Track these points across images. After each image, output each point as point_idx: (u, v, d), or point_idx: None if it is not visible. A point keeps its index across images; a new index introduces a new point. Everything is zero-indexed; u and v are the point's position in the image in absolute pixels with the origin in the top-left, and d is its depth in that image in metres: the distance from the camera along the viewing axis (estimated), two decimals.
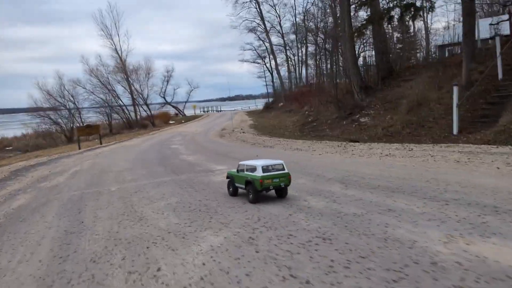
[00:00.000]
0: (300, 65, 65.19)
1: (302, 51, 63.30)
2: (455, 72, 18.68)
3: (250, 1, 62.58)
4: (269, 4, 63.87)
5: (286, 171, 8.10)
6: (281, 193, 8.31)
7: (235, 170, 9.04)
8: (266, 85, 72.87)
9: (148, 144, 29.84)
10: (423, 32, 31.88)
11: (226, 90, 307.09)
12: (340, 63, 39.50)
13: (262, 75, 73.95)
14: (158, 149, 23.98)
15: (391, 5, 17.48)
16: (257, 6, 62.46)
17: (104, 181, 12.98)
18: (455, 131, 14.51)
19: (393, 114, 19.43)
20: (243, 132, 31.64)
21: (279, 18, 63.08)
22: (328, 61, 57.79)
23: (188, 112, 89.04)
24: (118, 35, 62.07)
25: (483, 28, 19.23)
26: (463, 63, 15.68)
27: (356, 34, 21.64)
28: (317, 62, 60.92)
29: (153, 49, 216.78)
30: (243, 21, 64.17)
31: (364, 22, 20.63)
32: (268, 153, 16.27)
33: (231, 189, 9.04)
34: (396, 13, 17.58)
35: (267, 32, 63.51)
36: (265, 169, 8.00)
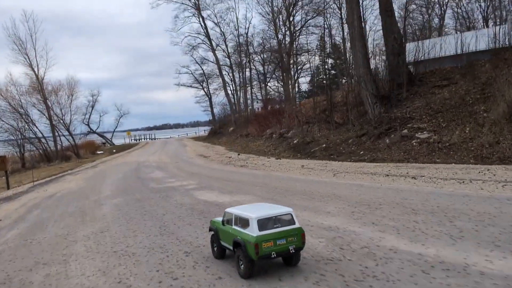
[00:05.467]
0: (240, 88, 58.48)
1: (245, 74, 57.00)
2: None
3: (194, 16, 55.87)
4: (213, 22, 56.87)
5: (296, 225, 5.00)
6: (290, 260, 5.17)
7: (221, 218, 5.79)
8: (211, 107, 65.28)
9: (117, 189, 15.16)
10: None
11: (152, 119, 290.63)
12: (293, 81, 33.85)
13: (200, 100, 66.40)
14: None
15: None
16: (201, 21, 55.77)
17: None
18: None
19: (474, 125, 13.60)
20: (279, 159, 21.82)
21: (224, 36, 56.40)
22: (279, 82, 52.56)
23: (117, 141, 77.75)
24: (35, 49, 48.59)
25: None
26: None
27: None
28: (265, 83, 55.22)
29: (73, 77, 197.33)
30: (185, 37, 56.95)
31: None
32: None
33: (215, 247, 5.82)
34: None
35: (213, 49, 56.71)
36: (262, 223, 4.84)
